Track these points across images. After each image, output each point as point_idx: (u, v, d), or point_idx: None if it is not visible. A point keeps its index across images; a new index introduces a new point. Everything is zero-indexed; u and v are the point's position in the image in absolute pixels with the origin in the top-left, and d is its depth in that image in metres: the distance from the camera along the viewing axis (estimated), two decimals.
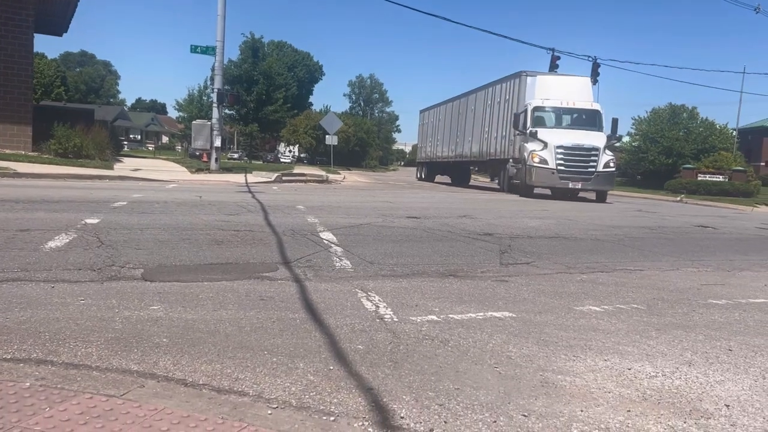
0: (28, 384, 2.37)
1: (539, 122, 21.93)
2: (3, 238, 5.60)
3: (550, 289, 5.02)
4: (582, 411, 2.51)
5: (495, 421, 2.35)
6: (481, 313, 4.04)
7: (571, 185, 20.83)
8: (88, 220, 7.02)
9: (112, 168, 19.99)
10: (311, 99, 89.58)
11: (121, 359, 2.77)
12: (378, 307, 4.03)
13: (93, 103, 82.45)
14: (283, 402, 2.39)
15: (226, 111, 41.67)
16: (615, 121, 22.28)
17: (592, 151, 20.87)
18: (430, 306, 4.15)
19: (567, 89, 22.76)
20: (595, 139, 21.27)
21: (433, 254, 6.40)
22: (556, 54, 28.53)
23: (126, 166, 23.51)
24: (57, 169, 16.67)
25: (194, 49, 24.18)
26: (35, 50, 24.98)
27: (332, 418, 2.27)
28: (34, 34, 23.05)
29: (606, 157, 21.05)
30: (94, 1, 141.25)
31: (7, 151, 20.21)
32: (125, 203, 9.46)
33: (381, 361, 2.96)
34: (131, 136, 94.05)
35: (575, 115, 22.52)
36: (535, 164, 21.02)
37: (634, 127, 49.27)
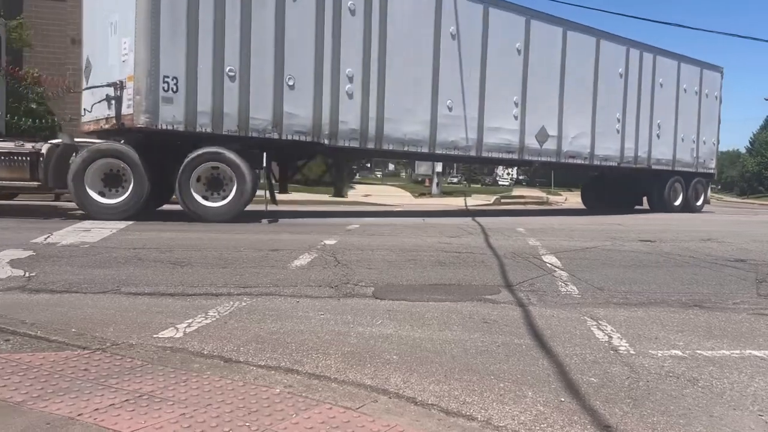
0: (278, 390, 2.62)
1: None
2: (258, 257, 6.37)
3: None
4: None
5: None
6: (737, 351, 3.51)
7: None
8: (327, 241, 7.68)
9: (346, 195, 21.81)
10: None
11: (356, 373, 2.93)
12: (611, 337, 3.73)
13: None
14: (512, 431, 2.31)
15: None
16: None
17: None
18: (672, 339, 3.72)
19: None
20: None
21: (673, 281, 5.78)
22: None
23: (357, 192, 25.45)
24: (301, 196, 18.66)
25: None
26: None
27: None
28: None
29: None
30: None
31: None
32: (358, 226, 10.18)
33: (618, 396, 2.71)
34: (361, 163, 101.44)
35: None
36: None
37: None
